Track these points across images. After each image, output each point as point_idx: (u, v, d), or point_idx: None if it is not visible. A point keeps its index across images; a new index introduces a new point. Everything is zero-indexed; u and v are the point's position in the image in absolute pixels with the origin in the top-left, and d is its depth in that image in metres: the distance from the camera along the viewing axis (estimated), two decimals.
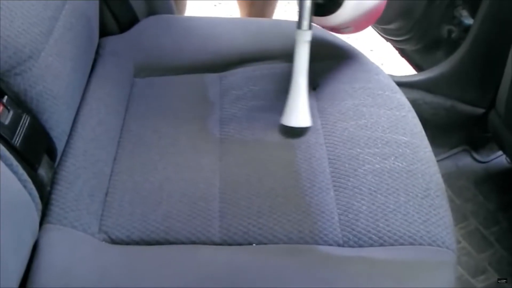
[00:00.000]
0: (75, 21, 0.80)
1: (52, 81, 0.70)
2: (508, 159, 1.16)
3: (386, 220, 0.69)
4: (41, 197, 0.66)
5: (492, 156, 1.18)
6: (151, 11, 1.03)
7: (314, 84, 0.89)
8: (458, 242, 1.03)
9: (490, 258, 1.02)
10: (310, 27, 0.82)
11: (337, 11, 0.82)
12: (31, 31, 0.67)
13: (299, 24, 0.82)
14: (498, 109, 1.00)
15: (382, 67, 0.94)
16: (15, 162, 0.60)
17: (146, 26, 0.99)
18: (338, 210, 0.71)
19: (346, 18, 0.83)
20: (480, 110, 1.15)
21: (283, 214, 0.70)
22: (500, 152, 1.17)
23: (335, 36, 1.00)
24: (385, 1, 0.86)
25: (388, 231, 0.68)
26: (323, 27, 0.88)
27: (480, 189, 1.12)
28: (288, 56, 0.94)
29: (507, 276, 0.99)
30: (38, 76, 0.67)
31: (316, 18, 0.84)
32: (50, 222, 0.68)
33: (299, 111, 0.81)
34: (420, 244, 0.68)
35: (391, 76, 0.94)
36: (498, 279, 0.97)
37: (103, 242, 0.68)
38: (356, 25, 0.87)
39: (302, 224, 0.69)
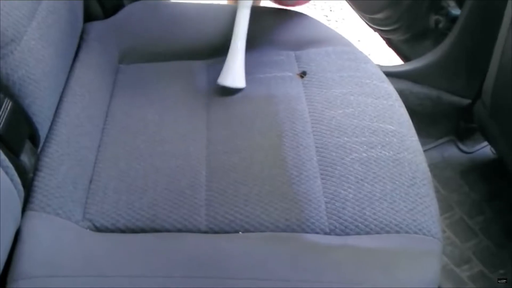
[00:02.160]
0: (58, 5, 0.78)
1: (34, 65, 0.68)
2: (493, 150, 1.17)
3: (372, 208, 0.69)
4: (24, 184, 0.64)
5: (478, 147, 1.19)
6: None
7: (302, 73, 0.88)
8: (443, 231, 1.04)
9: (474, 248, 1.03)
10: None
11: None
12: (13, 14, 0.65)
13: None
14: (484, 100, 1.00)
15: (369, 57, 0.94)
16: None
17: (131, 12, 0.98)
18: (325, 199, 0.71)
19: None
20: (466, 101, 1.15)
21: (270, 202, 0.70)
22: (486, 143, 1.18)
23: (323, 25, 0.99)
24: None
25: (375, 219, 0.69)
26: None
27: (465, 179, 1.13)
28: (275, 42, 0.93)
29: (491, 266, 1.00)
30: (20, 60, 0.65)
31: None
32: (33, 209, 0.66)
33: (235, 72, 0.85)
34: (406, 232, 0.68)
35: (379, 66, 0.94)
36: (498, 279, 0.98)
37: (88, 230, 0.67)
38: None
39: (289, 212, 0.69)
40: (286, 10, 1.00)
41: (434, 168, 1.14)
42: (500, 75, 0.92)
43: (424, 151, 0.81)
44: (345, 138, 0.77)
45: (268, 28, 0.96)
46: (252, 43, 0.94)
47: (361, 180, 0.72)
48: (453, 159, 1.17)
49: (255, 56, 0.92)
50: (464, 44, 1.08)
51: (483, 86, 1.00)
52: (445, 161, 1.17)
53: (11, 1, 0.66)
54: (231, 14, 0.98)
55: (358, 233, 0.68)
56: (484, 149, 1.18)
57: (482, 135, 1.14)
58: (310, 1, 1.05)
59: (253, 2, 0.91)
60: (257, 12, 1.01)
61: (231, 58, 0.86)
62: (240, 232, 0.67)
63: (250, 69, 0.89)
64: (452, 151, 1.18)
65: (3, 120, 0.61)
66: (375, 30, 1.35)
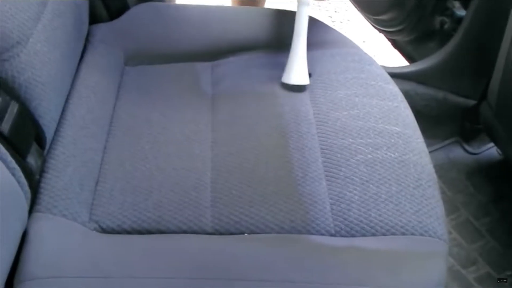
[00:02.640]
0: (64, 8, 0.79)
1: (40, 67, 0.68)
2: (499, 151, 1.17)
3: (378, 210, 0.69)
4: (30, 186, 0.64)
5: (483, 148, 1.18)
6: None
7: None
8: (449, 233, 1.03)
9: (481, 249, 1.02)
10: None
11: None
12: (19, 17, 0.66)
13: None
14: (489, 101, 1.00)
15: (374, 59, 0.93)
16: (3, 150, 0.59)
17: (136, 14, 0.98)
18: (330, 200, 0.71)
19: None
20: (472, 102, 1.15)
21: (275, 204, 0.70)
22: (491, 144, 1.18)
23: (328, 26, 0.99)
24: None
25: (380, 221, 0.68)
26: None
27: (471, 180, 1.13)
28: (279, 44, 0.93)
29: (497, 267, 0.99)
30: (26, 62, 0.65)
31: None
32: (40, 211, 0.67)
33: (299, 70, 0.85)
34: (412, 234, 0.68)
35: (384, 67, 0.94)
36: (498, 279, 0.97)
37: (94, 231, 0.68)
38: None
39: (294, 214, 0.69)
40: (290, 11, 1.00)
41: (440, 169, 1.14)
42: (505, 75, 0.91)
43: (430, 152, 0.81)
44: (350, 140, 0.77)
45: (273, 30, 0.97)
46: (256, 45, 0.94)
47: (367, 181, 0.72)
48: (459, 160, 1.16)
49: (260, 58, 0.92)
50: (470, 45, 1.08)
51: (488, 87, 1.00)
52: (450, 162, 1.16)
53: (17, 3, 0.66)
54: (236, 16, 0.98)
55: (363, 235, 0.68)
56: (490, 150, 1.18)
57: (488, 136, 1.14)
58: (315, 3, 1.05)
59: (258, 3, 0.91)
60: (260, 14, 1.01)
61: (293, 56, 0.87)
62: (245, 234, 0.67)
63: (254, 71, 0.90)
64: (457, 152, 1.18)
65: (9, 123, 0.61)
66: (380, 31, 1.35)
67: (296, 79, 0.85)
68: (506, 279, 0.97)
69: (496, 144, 1.13)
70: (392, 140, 0.77)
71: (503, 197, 1.10)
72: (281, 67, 0.89)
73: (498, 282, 0.97)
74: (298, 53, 0.87)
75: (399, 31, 1.26)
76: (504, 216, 1.06)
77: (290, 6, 1.04)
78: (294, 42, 0.87)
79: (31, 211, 0.67)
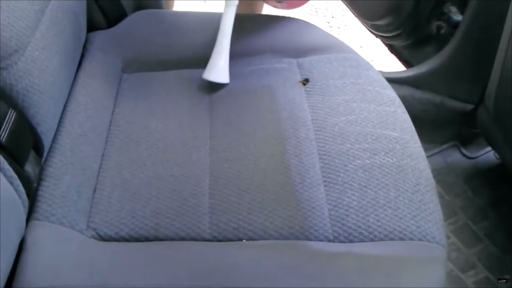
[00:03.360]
0: (62, 16, 0.79)
1: (38, 75, 0.68)
2: (497, 155, 1.17)
3: (376, 215, 0.69)
4: (28, 194, 0.65)
5: (481, 152, 1.19)
6: (139, 6, 1.02)
7: (304, 80, 0.89)
8: (448, 237, 1.03)
9: (479, 253, 1.02)
10: None
11: None
12: (17, 25, 0.66)
13: None
14: (487, 105, 1.00)
15: (371, 64, 0.94)
16: (1, 158, 0.59)
17: (134, 21, 0.98)
18: (328, 206, 0.71)
19: None
20: (469, 106, 1.15)
21: (274, 210, 0.70)
22: (489, 148, 1.18)
23: (325, 32, 0.99)
24: None
25: (379, 226, 0.68)
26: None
27: (469, 184, 1.13)
28: (277, 50, 0.93)
29: (496, 271, 0.99)
30: (24, 70, 0.65)
31: None
32: (37, 219, 0.67)
33: (220, 68, 0.88)
34: (411, 239, 0.68)
35: (381, 72, 0.94)
36: (498, 279, 0.97)
37: (92, 239, 0.67)
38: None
39: (292, 220, 0.69)
40: (287, 17, 1.01)
41: (438, 173, 1.14)
42: (502, 80, 0.92)
43: (428, 156, 0.81)
44: (348, 145, 0.77)
45: (270, 36, 0.97)
46: (253, 51, 0.94)
47: (365, 187, 0.72)
48: (457, 165, 1.17)
49: (257, 64, 0.92)
50: (466, 49, 1.08)
51: (485, 91, 1.00)
52: (448, 166, 1.16)
53: (15, 12, 0.66)
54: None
55: (362, 240, 0.68)
56: (487, 154, 1.18)
57: (485, 140, 1.14)
58: (312, 8, 1.06)
59: (255, 10, 0.92)
60: (258, 20, 1.02)
61: (216, 55, 0.89)
62: (243, 240, 0.67)
63: (252, 77, 0.90)
64: (455, 157, 1.18)
65: (7, 131, 0.62)
66: (377, 36, 1.35)
67: (215, 76, 0.87)
68: (506, 279, 0.97)
69: (494, 148, 1.13)
70: (390, 145, 0.78)
71: (501, 201, 1.10)
72: (279, 73, 0.90)
73: (498, 282, 0.97)
74: (221, 51, 0.88)
75: (396, 36, 1.26)
76: (503, 220, 1.07)
77: (287, 12, 1.05)
78: (219, 40, 0.89)
79: (28, 219, 0.67)
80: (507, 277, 0.98)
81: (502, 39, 0.91)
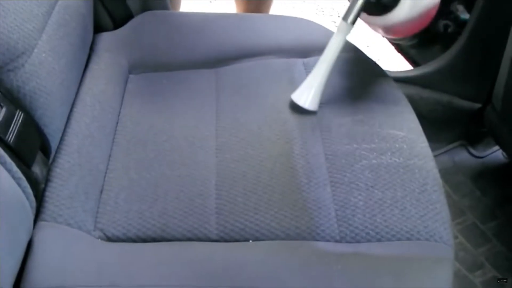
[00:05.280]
0: (69, 17, 0.79)
1: (45, 77, 0.69)
2: (505, 154, 1.16)
3: (383, 215, 0.69)
4: (35, 195, 0.65)
5: (489, 151, 1.18)
6: (146, 8, 1.02)
7: None
8: (455, 237, 1.03)
9: (487, 253, 1.02)
10: (353, 23, 0.83)
11: (394, 10, 0.82)
12: (24, 27, 0.66)
13: (345, 16, 0.83)
14: (494, 104, 1.00)
15: (378, 63, 0.93)
16: (8, 160, 0.59)
17: (140, 22, 0.98)
18: (335, 206, 0.70)
19: (402, 17, 0.83)
20: (477, 105, 1.14)
21: (280, 210, 0.70)
22: (497, 147, 1.17)
23: (331, 31, 0.99)
24: (438, 2, 0.86)
25: (386, 226, 0.68)
26: (374, 26, 0.88)
27: (476, 184, 1.12)
28: (283, 51, 0.93)
29: (504, 271, 0.98)
30: (31, 72, 0.66)
31: (370, 18, 0.84)
32: (45, 220, 0.67)
33: (311, 94, 0.82)
34: (418, 239, 0.68)
35: (388, 71, 0.94)
36: (498, 279, 0.97)
37: (99, 239, 0.68)
38: (408, 27, 0.87)
39: (299, 220, 0.69)
40: (294, 17, 1.01)
41: (445, 173, 1.14)
42: (510, 78, 0.91)
43: (435, 156, 0.81)
44: (355, 145, 0.77)
45: (276, 36, 0.97)
46: (260, 51, 0.94)
47: (371, 187, 0.72)
48: (464, 164, 1.16)
49: (263, 64, 0.92)
50: (474, 48, 1.07)
51: (493, 90, 1.00)
52: (456, 166, 1.16)
53: (22, 14, 0.66)
54: (239, 23, 0.99)
55: (369, 241, 0.67)
56: (495, 154, 1.17)
57: (493, 139, 1.13)
58: (318, 8, 1.05)
59: (262, 10, 0.91)
60: (265, 20, 1.02)
61: (311, 79, 0.84)
62: (250, 241, 0.67)
63: (258, 77, 0.90)
64: (463, 156, 1.18)
65: (15, 132, 0.62)
66: (384, 35, 1.34)
67: (303, 102, 0.82)
68: (506, 279, 0.96)
69: (502, 147, 1.12)
70: (397, 145, 0.77)
71: (510, 201, 1.09)
72: (284, 74, 0.90)
73: (498, 282, 0.96)
74: (317, 79, 0.83)
75: None
76: (511, 220, 1.06)
77: (293, 12, 1.04)
78: (317, 67, 0.84)
79: (36, 220, 0.67)
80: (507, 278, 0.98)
81: (510, 37, 0.91)
